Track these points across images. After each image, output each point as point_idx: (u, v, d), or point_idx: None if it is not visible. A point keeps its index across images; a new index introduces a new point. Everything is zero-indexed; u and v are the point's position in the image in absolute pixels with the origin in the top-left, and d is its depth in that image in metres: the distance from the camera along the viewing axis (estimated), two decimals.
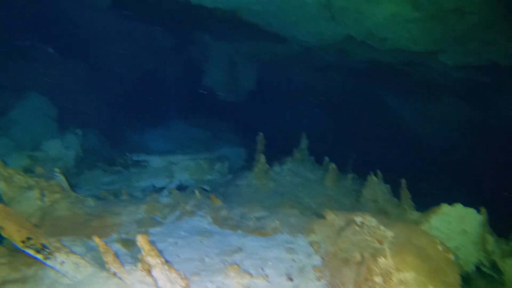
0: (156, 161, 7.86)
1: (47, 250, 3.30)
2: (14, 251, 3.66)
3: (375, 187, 5.81)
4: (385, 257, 3.82)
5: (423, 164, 15.53)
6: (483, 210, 5.05)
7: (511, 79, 9.65)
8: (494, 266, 5.12)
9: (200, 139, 12.32)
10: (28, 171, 4.94)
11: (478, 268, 5.24)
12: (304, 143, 8.10)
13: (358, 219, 4.44)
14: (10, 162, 6.57)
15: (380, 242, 4.04)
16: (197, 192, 5.64)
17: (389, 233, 4.15)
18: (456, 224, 5.06)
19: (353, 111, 15.90)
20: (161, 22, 13.39)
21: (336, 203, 6.13)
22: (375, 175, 6.21)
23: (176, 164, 7.75)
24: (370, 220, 4.37)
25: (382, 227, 4.22)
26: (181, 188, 7.27)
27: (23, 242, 3.19)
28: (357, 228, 4.21)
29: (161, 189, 7.53)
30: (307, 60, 13.50)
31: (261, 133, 7.06)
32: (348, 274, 3.74)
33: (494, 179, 13.90)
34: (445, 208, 5.11)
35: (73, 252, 3.51)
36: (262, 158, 6.69)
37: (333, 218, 4.62)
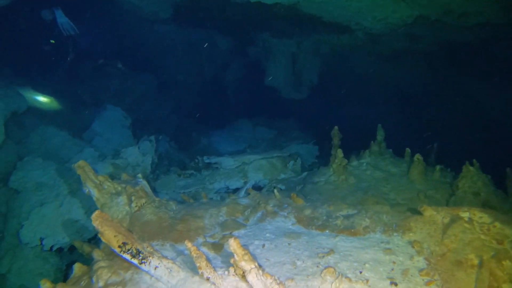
0: (227, 162, 7.84)
1: (141, 254, 3.30)
2: (111, 255, 3.75)
3: (474, 177, 5.14)
4: (511, 260, 3.27)
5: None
6: None
7: None
8: None
9: (266, 138, 12.21)
10: (113, 178, 5.11)
11: None
12: (380, 134, 7.53)
13: (465, 214, 3.90)
14: (97, 170, 6.95)
15: (500, 242, 3.48)
16: (276, 191, 5.44)
17: (510, 232, 3.57)
18: None
19: (427, 99, 14.69)
20: (220, 26, 13.54)
21: (427, 198, 5.54)
22: (470, 164, 5.51)
23: (248, 164, 7.65)
24: (481, 216, 3.82)
25: (498, 224, 3.65)
26: (256, 188, 7.15)
27: (119, 247, 3.21)
28: (466, 225, 3.68)
29: (236, 190, 7.49)
30: (372, 49, 12.73)
31: (336, 127, 6.67)
32: (464, 279, 3.25)
33: None
34: None
35: (165, 257, 3.49)
36: (339, 153, 6.31)
37: (433, 214, 4.11)
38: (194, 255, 3.23)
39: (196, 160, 9.20)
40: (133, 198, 4.55)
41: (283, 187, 7.09)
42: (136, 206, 4.51)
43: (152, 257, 3.37)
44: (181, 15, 12.79)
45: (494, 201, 4.83)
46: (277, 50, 12.92)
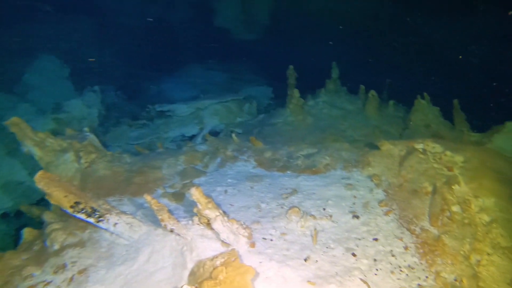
0: (181, 109, 7.48)
1: (97, 213, 3.08)
2: (64, 216, 3.49)
3: (425, 110, 5.31)
4: (459, 184, 3.47)
5: (459, 86, 14.65)
6: None
7: None
8: None
9: (219, 82, 11.76)
10: (56, 134, 4.65)
11: None
12: (335, 72, 7.49)
13: (420, 146, 4.03)
14: (37, 127, 6.33)
15: (450, 169, 3.66)
16: (234, 136, 5.29)
17: (459, 158, 3.75)
18: None
19: (378, 36, 14.74)
20: None
21: (383, 133, 5.71)
22: (422, 97, 5.66)
23: (203, 109, 7.35)
24: (434, 146, 3.96)
25: (449, 152, 3.81)
26: (213, 133, 6.96)
27: (72, 207, 2.96)
28: (421, 156, 3.81)
29: (192, 137, 7.25)
30: None
31: (291, 66, 6.48)
32: (419, 206, 3.43)
33: None
34: (510, 125, 4.63)
35: (124, 212, 3.30)
36: (296, 93, 6.21)
37: (390, 148, 4.22)
38: (155, 207, 3.07)
39: (148, 109, 8.71)
40: (81, 154, 4.19)
41: (240, 131, 6.97)
42: (86, 162, 4.17)
43: (110, 214, 3.17)
44: None
45: (443, 131, 5.07)
46: None
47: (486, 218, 3.27)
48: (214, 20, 12.58)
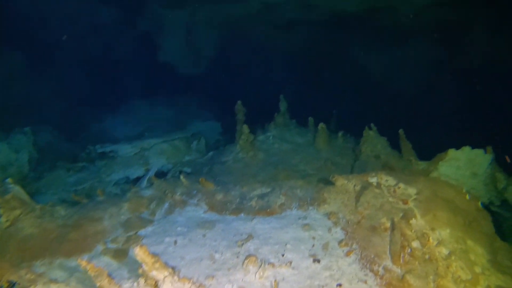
0: (125, 150, 7.00)
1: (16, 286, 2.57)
2: None
3: (374, 141, 5.41)
4: (415, 217, 3.44)
5: (397, 112, 15.55)
6: (489, 149, 4.79)
7: (481, 13, 9.46)
8: (504, 203, 4.96)
9: (166, 118, 11.37)
10: None
11: (486, 207, 5.05)
12: (283, 105, 7.53)
13: (374, 180, 4.01)
14: None
15: (405, 202, 3.65)
16: (182, 177, 4.96)
17: (412, 190, 3.76)
18: (466, 168, 4.79)
19: (321, 67, 15.40)
20: None
21: (334, 165, 5.70)
22: (369, 128, 5.79)
23: (148, 149, 6.93)
24: (387, 179, 3.96)
25: (402, 185, 3.82)
26: (159, 174, 6.55)
27: None
28: (376, 190, 3.78)
29: (137, 180, 6.76)
30: (267, 18, 12.65)
31: (239, 101, 6.37)
32: (380, 244, 3.33)
33: (466, 117, 14.18)
34: (452, 153, 4.82)
35: (54, 280, 2.80)
36: (245, 129, 6.07)
37: (344, 183, 4.15)
38: (93, 273, 2.64)
39: (88, 150, 8.07)
40: (1, 211, 3.60)
41: (189, 170, 6.62)
42: (7, 221, 3.59)
43: (35, 286, 2.67)
44: None
45: (392, 162, 5.16)
46: (169, 21, 11.93)
47: (444, 251, 3.23)
48: (159, 55, 12.35)
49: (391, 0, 9.72)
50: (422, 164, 5.03)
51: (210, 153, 6.91)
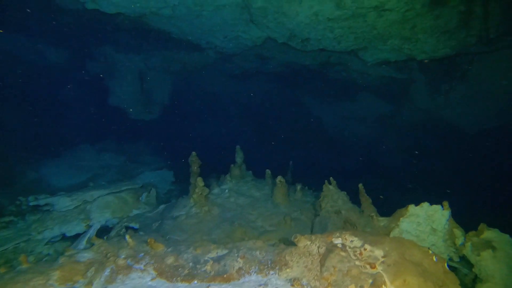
0: (63, 202, 6.21)
1: None
2: None
3: (334, 196, 5.26)
4: (385, 284, 3.20)
5: (347, 163, 16.01)
6: (446, 204, 4.82)
7: (423, 72, 10.23)
8: (464, 260, 4.93)
9: (114, 165, 10.61)
10: None
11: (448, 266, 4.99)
12: (239, 157, 7.30)
13: (338, 241, 3.77)
14: None
15: (373, 266, 3.41)
16: (128, 238, 4.39)
17: (378, 252, 3.55)
18: (425, 224, 4.75)
19: (275, 117, 15.67)
20: (49, 35, 11.34)
21: (294, 221, 5.44)
22: (329, 182, 5.67)
23: (91, 202, 6.23)
24: (352, 240, 3.74)
25: (368, 246, 3.60)
26: (103, 232, 5.85)
27: None
28: (342, 253, 3.52)
29: (75, 238, 5.97)
30: (223, 68, 12.79)
31: (193, 153, 6.01)
32: None
33: (409, 168, 14.88)
34: (412, 209, 4.78)
35: None
36: (200, 182, 5.68)
37: (307, 244, 3.86)
38: None
39: (18, 202, 7.13)
40: None
41: (136, 226, 5.99)
42: None
43: None
44: None
45: (354, 218, 5.00)
46: (123, 66, 11.59)
47: None
48: (110, 99, 11.81)
49: (342, 57, 10.23)
50: (383, 221, 4.92)
51: (161, 207, 6.36)
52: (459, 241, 4.77)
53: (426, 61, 8.84)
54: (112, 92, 11.72)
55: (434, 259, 3.54)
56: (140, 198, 6.71)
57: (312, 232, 5.26)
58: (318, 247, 3.78)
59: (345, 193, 5.53)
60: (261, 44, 9.58)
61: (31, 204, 6.35)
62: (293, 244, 4.02)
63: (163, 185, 8.73)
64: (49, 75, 12.24)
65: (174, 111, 13.39)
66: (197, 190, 5.62)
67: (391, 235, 4.73)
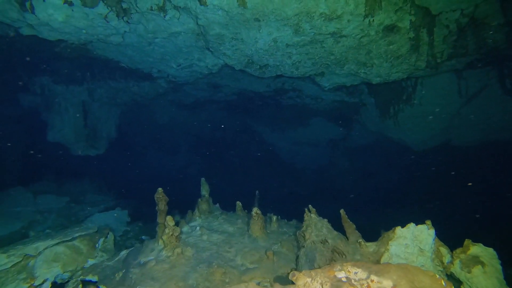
0: None
1: None
2: None
3: (318, 225, 4.98)
4: None
5: (301, 187, 16.04)
6: (429, 222, 4.78)
7: (373, 96, 10.68)
8: (450, 278, 4.88)
9: (55, 209, 9.34)
10: None
11: None
12: (205, 190, 6.81)
13: (342, 275, 3.46)
14: None
15: None
16: None
17: (387, 283, 3.28)
18: (413, 246, 4.63)
19: (227, 146, 15.33)
20: None
21: (278, 256, 5.04)
22: (308, 210, 5.40)
23: (35, 256, 5.25)
24: (356, 271, 3.45)
25: (375, 277, 3.33)
26: None
27: None
28: None
29: None
30: (174, 97, 12.29)
31: (159, 189, 5.42)
32: None
33: (362, 187, 15.29)
34: (399, 231, 4.65)
35: None
36: (170, 221, 5.08)
37: (307, 282, 3.50)
38: None
39: None
40: None
41: (95, 279, 5.16)
42: None
43: None
44: None
45: (341, 246, 4.75)
46: (63, 98, 10.56)
47: None
48: (48, 135, 10.62)
49: (297, 83, 10.35)
50: (372, 246, 4.73)
51: (123, 253, 5.56)
52: (446, 259, 4.72)
53: (376, 84, 9.22)
54: (51, 127, 10.57)
55: (443, 283, 3.38)
56: (96, 245, 5.84)
57: (297, 265, 4.90)
58: (322, 284, 3.43)
59: (327, 220, 5.29)
60: (217, 72, 9.34)
61: None
62: (289, 282, 3.63)
63: (117, 226, 7.83)
64: None
65: (122, 145, 12.46)
66: (167, 231, 5.01)
67: (382, 260, 4.54)
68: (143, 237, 7.43)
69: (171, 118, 13.18)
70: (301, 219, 6.82)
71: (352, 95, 10.69)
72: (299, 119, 13.28)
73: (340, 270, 3.47)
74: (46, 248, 5.34)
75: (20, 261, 5.15)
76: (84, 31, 7.42)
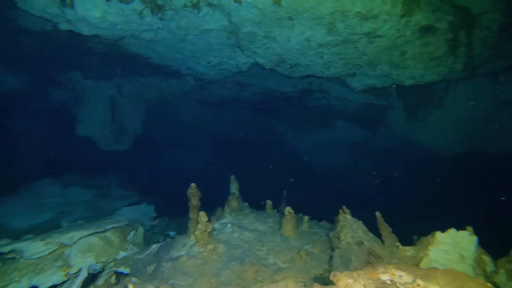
0: (35, 248, 5.26)
1: None
2: None
3: (353, 226, 4.88)
4: None
5: (321, 190, 15.87)
6: (470, 229, 4.61)
7: (401, 99, 10.47)
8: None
9: (82, 202, 9.51)
10: None
11: None
12: (235, 187, 6.77)
13: (386, 277, 3.36)
14: None
15: None
16: (131, 287, 3.68)
17: (434, 287, 3.19)
18: (454, 252, 4.48)
19: (249, 146, 15.32)
20: (7, 60, 10.32)
21: (310, 256, 4.96)
22: (343, 211, 5.30)
23: (70, 245, 5.33)
24: (401, 275, 3.34)
25: (421, 282, 3.22)
26: (87, 281, 4.99)
27: None
28: None
29: None
30: (199, 96, 12.35)
31: (193, 184, 5.42)
32: None
33: (383, 193, 15.01)
34: (439, 236, 4.51)
35: None
36: (203, 216, 5.06)
37: (349, 283, 3.41)
38: None
39: None
40: None
41: (126, 271, 5.19)
42: None
43: None
44: None
45: (377, 249, 4.63)
46: (93, 93, 10.77)
47: None
48: (77, 129, 10.83)
49: (324, 84, 10.25)
50: (410, 250, 4.60)
51: (153, 247, 5.59)
52: (489, 268, 4.54)
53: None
54: (80, 121, 10.79)
55: None
56: (127, 238, 5.89)
57: (331, 267, 4.81)
58: (365, 286, 3.33)
59: (362, 222, 5.18)
60: (245, 71, 9.33)
61: None
62: (330, 283, 3.55)
63: (144, 221, 7.89)
64: (6, 103, 11.05)
65: (147, 142, 12.60)
66: (200, 226, 5.00)
67: (421, 266, 4.41)
68: (170, 232, 7.47)
69: (195, 117, 13.26)
70: (321, 221, 6.75)
71: (380, 97, 10.50)
72: (323, 120, 13.14)
73: (383, 273, 3.37)
74: (80, 238, 5.41)
75: (56, 249, 5.24)
76: (118, 27, 7.52)
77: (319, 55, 7.83)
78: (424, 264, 4.43)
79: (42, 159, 11.88)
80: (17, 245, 5.37)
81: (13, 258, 5.45)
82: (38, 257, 5.23)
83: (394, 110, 11.12)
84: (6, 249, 5.39)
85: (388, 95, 10.44)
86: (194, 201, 5.35)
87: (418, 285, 3.21)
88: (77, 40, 8.46)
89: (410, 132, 11.76)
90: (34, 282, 5.03)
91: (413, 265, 4.44)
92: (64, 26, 7.41)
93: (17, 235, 6.66)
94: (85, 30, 7.46)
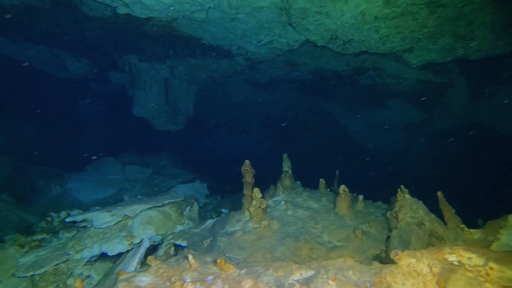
0: (103, 218, 5.67)
1: None
2: None
3: (413, 205, 4.67)
4: None
5: (373, 172, 15.39)
6: None
7: (464, 75, 9.72)
8: None
9: (140, 179, 10.10)
10: None
11: None
12: (287, 165, 6.74)
13: (453, 258, 3.18)
14: None
15: None
16: (191, 258, 3.82)
17: (510, 272, 2.97)
18: None
19: (298, 126, 15.15)
20: (71, 45, 11.01)
21: (366, 236, 4.84)
22: (401, 190, 5.08)
23: (133, 218, 5.69)
24: (470, 257, 3.15)
25: (494, 265, 3.00)
26: (148, 251, 5.28)
27: None
28: (469, 274, 2.94)
29: (118, 257, 5.42)
30: (249, 76, 12.37)
31: (247, 161, 5.48)
32: None
33: (440, 176, 14.21)
34: None
35: None
36: (257, 193, 5.11)
37: (412, 262, 3.28)
38: None
39: (49, 218, 6.61)
40: None
41: (184, 244, 5.43)
42: None
43: None
44: (14, 25, 9.81)
45: (440, 231, 4.41)
46: (147, 75, 11.20)
47: None
48: (134, 110, 11.39)
49: (378, 61, 9.77)
50: (477, 233, 4.32)
51: (209, 222, 5.78)
52: None
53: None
54: (137, 103, 11.32)
55: None
56: (184, 213, 6.15)
57: (388, 247, 4.66)
58: (430, 266, 3.19)
59: (421, 202, 4.95)
60: (296, 49, 9.14)
61: (67, 220, 5.81)
62: (391, 261, 3.44)
63: (198, 198, 8.17)
64: (70, 86, 11.88)
65: (198, 122, 12.94)
66: (254, 203, 5.06)
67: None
68: (223, 210, 7.67)
69: (244, 97, 13.35)
70: (376, 201, 6.53)
71: (440, 73, 9.82)
72: (376, 100, 12.60)
73: (450, 254, 3.20)
74: (141, 211, 5.73)
75: (121, 221, 5.60)
76: (172, 8, 7.66)
77: (375, 29, 7.43)
78: (494, 248, 4.15)
79: (103, 139, 12.68)
80: (88, 215, 5.81)
81: (85, 227, 5.92)
82: (106, 227, 5.62)
83: (455, 88, 10.37)
84: (79, 218, 5.85)
85: (448, 72, 9.73)
86: (248, 177, 5.41)
87: (492, 268, 3.00)
88: (133, 24, 8.76)
89: (473, 112, 10.95)
90: (104, 249, 5.44)
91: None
92: (121, 10, 7.68)
93: (85, 207, 7.20)
94: (141, 13, 7.70)
